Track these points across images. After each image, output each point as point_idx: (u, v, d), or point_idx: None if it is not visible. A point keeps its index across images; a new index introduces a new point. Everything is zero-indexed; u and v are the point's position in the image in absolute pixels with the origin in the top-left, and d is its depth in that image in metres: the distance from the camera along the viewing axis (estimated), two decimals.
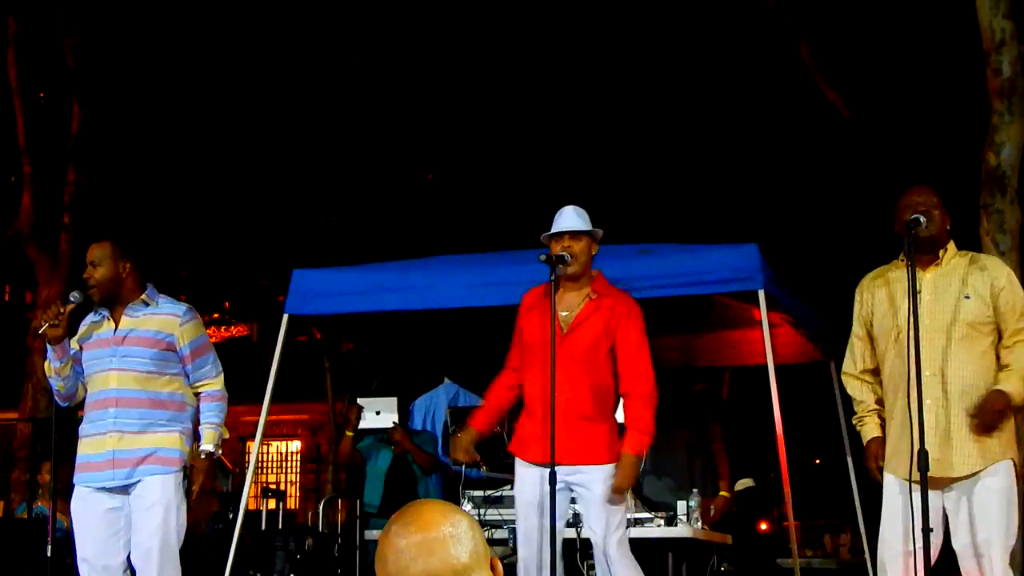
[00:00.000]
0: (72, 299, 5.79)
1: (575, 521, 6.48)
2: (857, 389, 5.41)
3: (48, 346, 5.76)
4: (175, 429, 5.78)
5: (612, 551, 5.75)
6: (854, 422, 5.48)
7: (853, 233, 16.15)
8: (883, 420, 5.31)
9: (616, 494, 5.71)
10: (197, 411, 5.90)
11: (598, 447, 5.80)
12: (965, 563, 4.98)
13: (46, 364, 5.86)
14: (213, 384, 5.92)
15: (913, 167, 13.17)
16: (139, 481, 5.68)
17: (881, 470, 5.23)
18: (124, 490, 5.72)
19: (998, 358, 5.11)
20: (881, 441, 5.27)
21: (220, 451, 5.90)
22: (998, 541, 4.94)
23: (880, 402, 5.33)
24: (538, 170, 18.07)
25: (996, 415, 4.97)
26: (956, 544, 5.00)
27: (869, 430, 5.35)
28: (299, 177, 18.20)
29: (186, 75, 17.29)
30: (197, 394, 5.91)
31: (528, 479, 5.86)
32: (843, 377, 5.51)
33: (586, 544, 6.76)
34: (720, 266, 7.17)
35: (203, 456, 5.80)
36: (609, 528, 5.76)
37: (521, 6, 16.96)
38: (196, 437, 5.86)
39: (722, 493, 8.44)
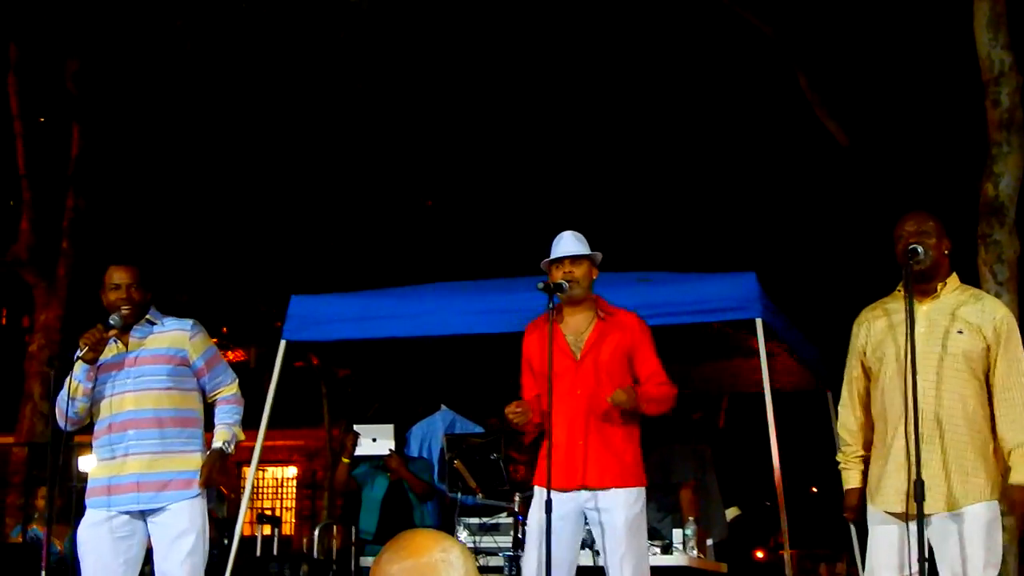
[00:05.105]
0: (112, 323, 5.77)
1: (591, 542, 6.22)
2: (850, 434, 5.34)
3: (82, 367, 5.74)
4: (195, 448, 5.76)
5: None
6: (839, 460, 5.42)
7: (851, 262, 16.17)
8: (866, 465, 5.29)
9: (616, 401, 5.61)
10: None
11: (622, 470, 5.70)
12: None
13: (76, 385, 5.79)
14: (229, 389, 5.93)
15: (911, 196, 13.19)
16: (163, 508, 5.66)
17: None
18: (141, 515, 5.69)
19: (990, 395, 5.08)
20: (860, 492, 5.26)
21: (232, 448, 5.80)
22: (990, 569, 4.93)
23: (868, 446, 5.30)
24: (537, 197, 18.07)
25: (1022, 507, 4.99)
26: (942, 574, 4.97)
27: (852, 478, 5.32)
28: (299, 203, 18.20)
29: (186, 101, 17.31)
30: (212, 404, 5.90)
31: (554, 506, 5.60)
32: (839, 426, 5.42)
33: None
34: (718, 295, 7.17)
35: (215, 451, 5.75)
36: (627, 560, 5.61)
37: (519, 34, 17.00)
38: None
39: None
